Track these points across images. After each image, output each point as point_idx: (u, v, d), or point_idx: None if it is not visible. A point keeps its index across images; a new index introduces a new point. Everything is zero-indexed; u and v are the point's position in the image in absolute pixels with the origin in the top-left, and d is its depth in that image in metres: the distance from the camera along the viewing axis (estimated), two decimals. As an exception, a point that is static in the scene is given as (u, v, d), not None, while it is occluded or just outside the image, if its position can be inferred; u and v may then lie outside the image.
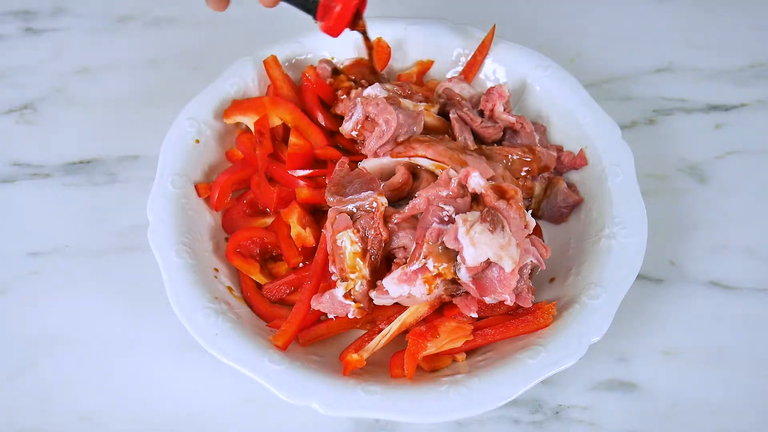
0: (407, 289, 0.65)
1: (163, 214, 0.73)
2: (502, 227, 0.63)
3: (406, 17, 0.88)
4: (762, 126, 0.92)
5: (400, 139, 0.75)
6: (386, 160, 0.75)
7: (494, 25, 0.86)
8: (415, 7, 1.02)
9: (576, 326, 0.66)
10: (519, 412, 0.71)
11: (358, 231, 0.67)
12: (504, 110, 0.80)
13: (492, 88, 0.80)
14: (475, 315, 0.67)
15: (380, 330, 0.69)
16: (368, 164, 0.74)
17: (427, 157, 0.73)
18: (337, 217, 0.68)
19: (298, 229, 0.74)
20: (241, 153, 0.82)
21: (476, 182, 0.66)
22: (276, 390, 0.62)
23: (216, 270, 0.73)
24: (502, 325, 0.68)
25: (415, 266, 0.64)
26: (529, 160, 0.77)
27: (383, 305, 0.69)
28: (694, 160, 0.89)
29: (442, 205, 0.65)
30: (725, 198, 0.86)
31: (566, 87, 0.83)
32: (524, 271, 0.66)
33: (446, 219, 0.65)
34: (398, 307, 0.70)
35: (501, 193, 0.66)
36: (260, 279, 0.75)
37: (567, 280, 0.73)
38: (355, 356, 0.65)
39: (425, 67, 0.88)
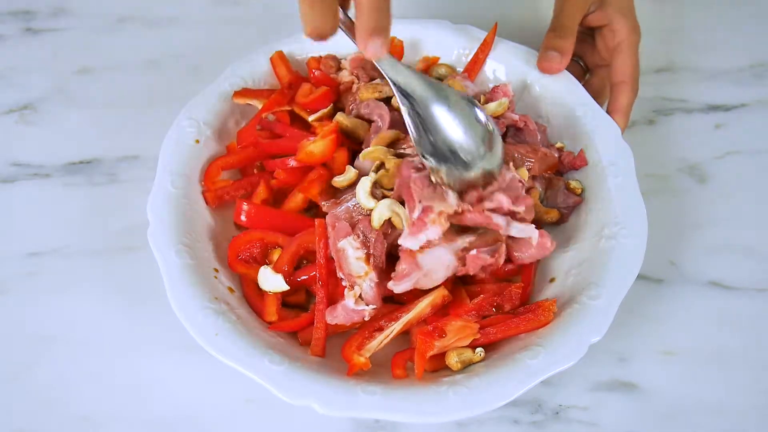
0: (424, 237, 0.64)
1: (163, 214, 0.72)
2: None
3: (406, 17, 0.88)
4: (762, 126, 0.92)
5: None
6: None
7: (496, 24, 0.86)
8: (415, 7, 1.02)
9: (576, 326, 0.66)
10: (519, 412, 0.71)
11: (359, 236, 0.67)
12: (508, 109, 0.80)
13: (497, 86, 0.81)
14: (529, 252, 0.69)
15: (380, 328, 0.69)
16: (367, 164, 0.74)
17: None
18: (336, 225, 0.68)
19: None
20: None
21: None
22: (276, 390, 0.62)
23: (216, 270, 0.73)
24: (503, 323, 0.68)
25: (417, 212, 0.64)
26: (532, 160, 0.77)
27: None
28: (694, 160, 0.89)
29: (411, 158, 0.67)
30: (725, 198, 0.86)
31: (566, 87, 0.83)
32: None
33: (420, 166, 0.66)
34: (400, 306, 0.70)
35: None
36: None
37: (567, 280, 0.73)
38: (361, 359, 0.66)
39: (431, 62, 0.88)
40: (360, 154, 0.74)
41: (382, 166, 0.72)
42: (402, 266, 0.66)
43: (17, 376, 0.73)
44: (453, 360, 0.67)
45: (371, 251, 0.67)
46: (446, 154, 0.66)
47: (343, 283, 0.68)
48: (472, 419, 0.70)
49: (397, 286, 0.66)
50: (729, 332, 0.76)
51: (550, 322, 0.67)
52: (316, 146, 0.74)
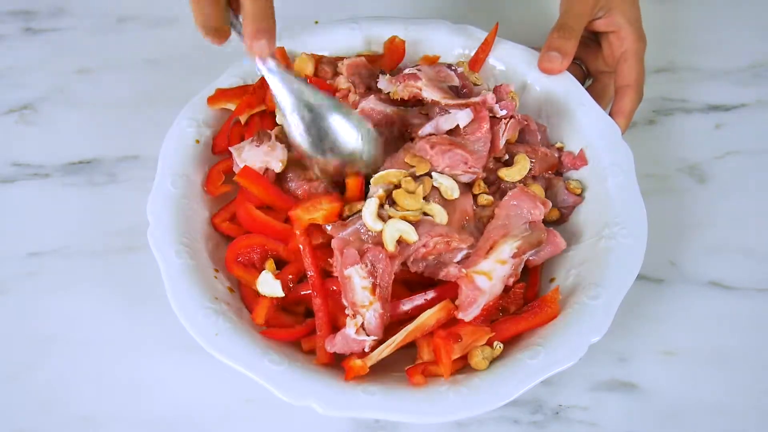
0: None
1: (163, 214, 0.72)
2: (269, 138, 0.75)
3: (406, 17, 0.88)
4: (762, 126, 0.92)
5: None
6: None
7: (497, 23, 0.86)
8: (415, 7, 1.02)
9: (576, 326, 0.66)
10: (519, 412, 0.71)
11: (367, 265, 0.66)
12: (509, 108, 0.80)
13: (498, 86, 0.80)
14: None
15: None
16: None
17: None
18: (345, 251, 0.66)
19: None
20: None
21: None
22: (276, 390, 0.62)
23: (216, 270, 0.73)
24: (510, 322, 0.68)
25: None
26: (532, 160, 0.77)
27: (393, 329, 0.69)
28: (694, 160, 0.89)
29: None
30: (725, 198, 0.86)
31: (566, 87, 0.83)
32: None
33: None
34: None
35: None
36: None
37: (567, 280, 0.73)
38: (358, 362, 0.65)
39: (431, 61, 0.88)
40: (372, 180, 0.71)
41: (396, 186, 0.70)
42: (464, 293, 0.66)
43: (17, 376, 0.73)
44: (479, 358, 0.65)
45: (378, 281, 0.66)
46: (331, 153, 0.72)
47: (347, 312, 0.66)
48: (472, 419, 0.70)
49: (467, 315, 0.66)
50: (729, 332, 0.76)
51: (558, 313, 0.67)
52: (318, 216, 0.71)
